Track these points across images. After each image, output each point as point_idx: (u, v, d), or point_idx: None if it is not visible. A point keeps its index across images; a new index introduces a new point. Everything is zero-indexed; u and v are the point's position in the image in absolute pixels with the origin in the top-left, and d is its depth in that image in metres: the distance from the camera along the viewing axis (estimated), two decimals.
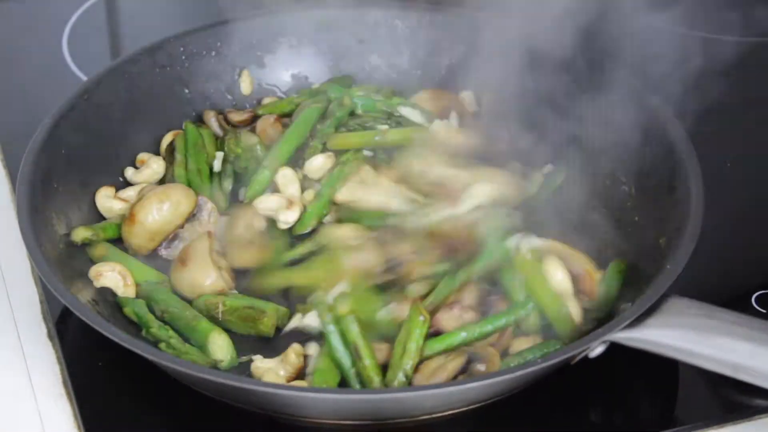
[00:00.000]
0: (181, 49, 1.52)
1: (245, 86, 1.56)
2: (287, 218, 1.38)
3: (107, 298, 1.29)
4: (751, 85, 1.66)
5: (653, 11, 1.69)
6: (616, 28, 1.61)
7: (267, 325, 1.26)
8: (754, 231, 1.45)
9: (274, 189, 1.41)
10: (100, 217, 1.38)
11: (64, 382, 1.25)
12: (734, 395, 1.24)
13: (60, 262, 1.26)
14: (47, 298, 1.34)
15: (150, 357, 1.14)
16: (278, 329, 1.27)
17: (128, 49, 1.64)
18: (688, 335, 1.15)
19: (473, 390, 1.14)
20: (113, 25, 1.87)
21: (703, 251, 1.30)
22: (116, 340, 1.14)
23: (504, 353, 1.23)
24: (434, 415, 1.18)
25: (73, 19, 1.83)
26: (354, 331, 1.20)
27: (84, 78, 1.67)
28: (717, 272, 1.32)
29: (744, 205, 1.48)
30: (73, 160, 1.37)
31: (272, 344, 1.26)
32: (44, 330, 1.31)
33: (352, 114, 1.48)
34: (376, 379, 1.18)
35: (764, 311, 1.32)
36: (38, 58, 1.76)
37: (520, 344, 1.23)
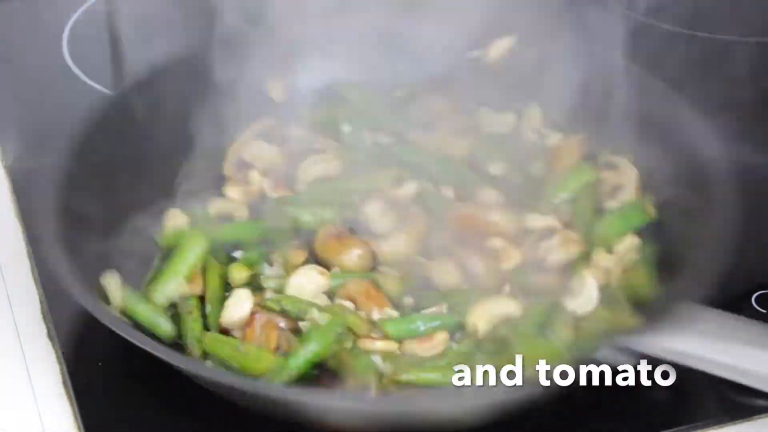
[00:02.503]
0: (203, 60, 1.51)
1: (276, 92, 1.54)
2: None
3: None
4: (751, 85, 1.65)
5: (654, 11, 1.70)
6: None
7: None
8: (755, 231, 1.45)
9: None
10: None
11: (64, 382, 1.25)
12: (734, 395, 1.24)
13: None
14: (47, 298, 1.34)
15: (166, 359, 1.14)
16: None
17: (127, 50, 1.64)
18: (703, 343, 1.14)
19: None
20: (113, 26, 1.88)
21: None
22: (114, 329, 1.14)
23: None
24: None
25: (73, 19, 1.83)
26: None
27: (84, 78, 1.67)
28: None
29: (744, 205, 1.47)
30: (101, 165, 1.35)
31: None
32: (44, 330, 1.31)
33: None
34: None
35: (764, 311, 1.32)
36: (38, 58, 1.76)
37: None
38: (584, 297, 1.27)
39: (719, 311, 1.17)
